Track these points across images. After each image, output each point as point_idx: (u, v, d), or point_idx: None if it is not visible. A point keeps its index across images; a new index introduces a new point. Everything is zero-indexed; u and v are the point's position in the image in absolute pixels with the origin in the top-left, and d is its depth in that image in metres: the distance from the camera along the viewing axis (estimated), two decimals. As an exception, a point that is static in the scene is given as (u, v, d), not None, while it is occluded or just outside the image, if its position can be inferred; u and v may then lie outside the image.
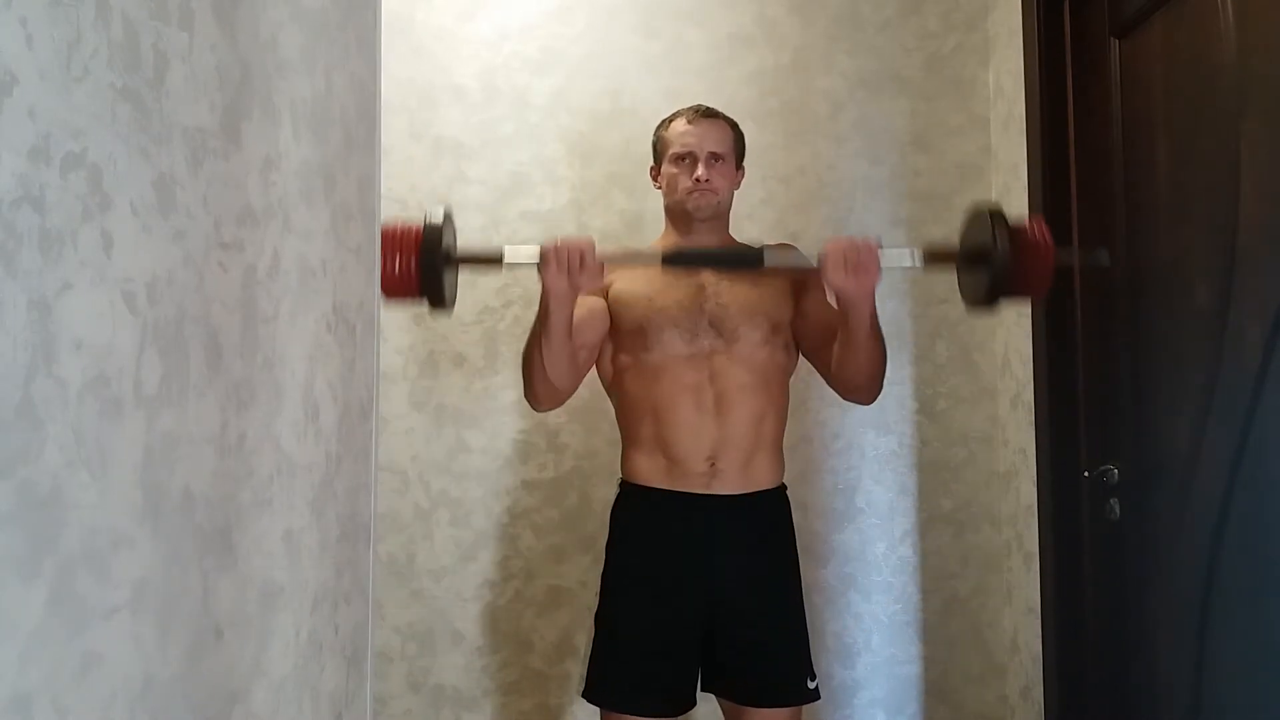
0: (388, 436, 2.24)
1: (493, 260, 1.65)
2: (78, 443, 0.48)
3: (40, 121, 0.45)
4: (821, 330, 1.74)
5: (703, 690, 1.75)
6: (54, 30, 0.46)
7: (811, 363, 1.81)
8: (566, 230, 2.29)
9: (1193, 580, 1.53)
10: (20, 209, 0.43)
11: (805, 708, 1.72)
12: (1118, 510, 1.78)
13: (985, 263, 1.55)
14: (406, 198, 2.28)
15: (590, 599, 1.86)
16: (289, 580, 0.76)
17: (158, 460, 0.56)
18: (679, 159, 1.76)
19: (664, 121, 1.83)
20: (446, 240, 1.56)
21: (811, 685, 1.71)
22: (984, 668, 2.30)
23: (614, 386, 1.79)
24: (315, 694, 0.81)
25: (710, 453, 1.67)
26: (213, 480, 0.63)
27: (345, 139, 0.89)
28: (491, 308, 2.29)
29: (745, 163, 1.86)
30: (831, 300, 1.68)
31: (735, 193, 1.84)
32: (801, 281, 1.79)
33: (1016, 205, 2.16)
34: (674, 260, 1.69)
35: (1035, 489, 2.06)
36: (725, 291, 1.73)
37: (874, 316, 1.62)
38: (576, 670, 2.22)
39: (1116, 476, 1.78)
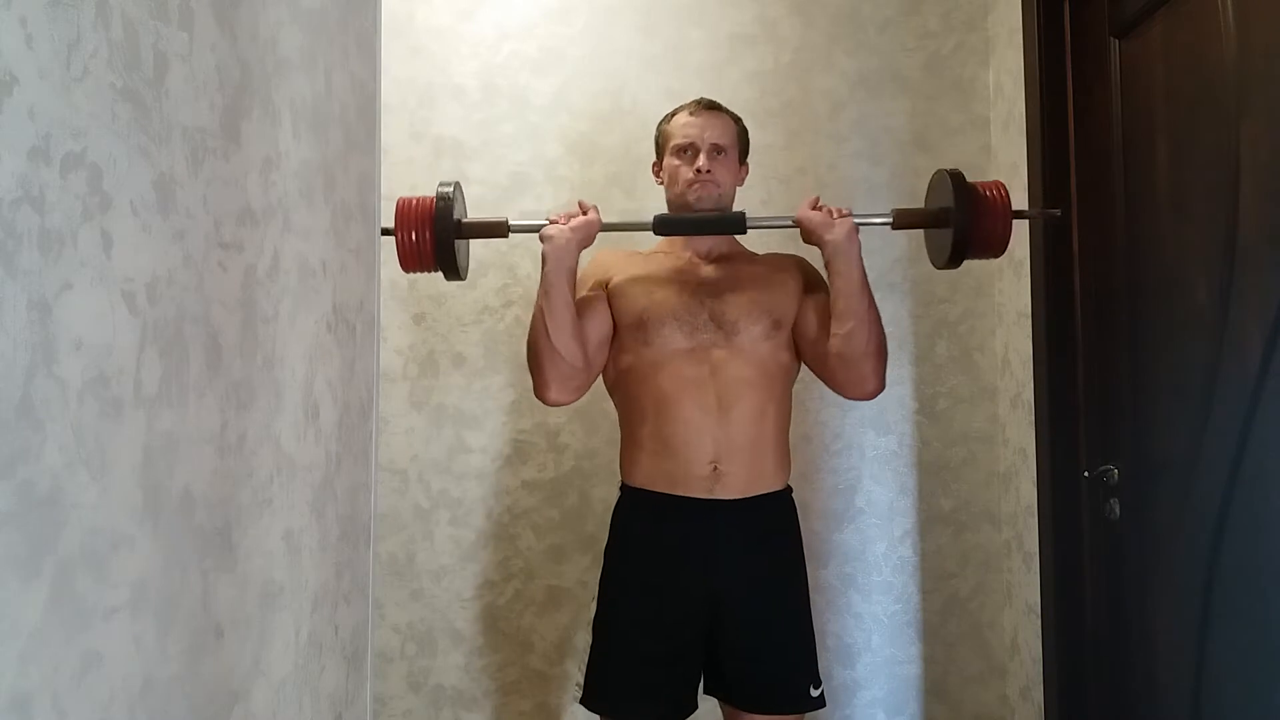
0: (388, 436, 2.24)
1: (499, 228, 1.71)
2: (78, 443, 0.48)
3: (40, 121, 0.45)
4: (825, 321, 1.70)
5: (705, 693, 1.73)
6: (54, 30, 0.46)
7: (816, 367, 1.76)
8: (566, 230, 2.29)
9: (1193, 580, 1.53)
10: (20, 209, 0.43)
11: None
12: (1118, 510, 1.78)
13: (946, 223, 1.66)
14: (406, 198, 2.28)
15: (590, 599, 1.86)
16: (289, 580, 0.76)
17: (158, 460, 0.56)
18: (681, 150, 1.74)
19: (667, 116, 1.81)
20: (458, 212, 1.66)
21: (816, 693, 1.68)
22: (984, 668, 2.30)
23: (615, 387, 1.78)
24: (315, 694, 0.81)
25: (713, 455, 1.64)
26: (213, 480, 0.63)
27: (345, 139, 0.89)
28: (491, 308, 2.29)
29: (746, 162, 1.85)
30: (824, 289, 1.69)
31: (738, 191, 1.82)
32: (806, 284, 1.77)
33: (1016, 205, 2.16)
34: (664, 226, 1.73)
35: (1035, 489, 2.06)
36: (726, 289, 1.71)
37: (863, 276, 1.65)
38: (576, 670, 2.22)
39: (1116, 476, 1.78)
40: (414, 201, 1.63)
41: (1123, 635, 1.79)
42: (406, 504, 2.26)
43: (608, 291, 1.74)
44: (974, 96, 2.35)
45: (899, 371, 2.27)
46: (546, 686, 2.26)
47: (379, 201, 0.99)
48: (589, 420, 2.25)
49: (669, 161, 1.77)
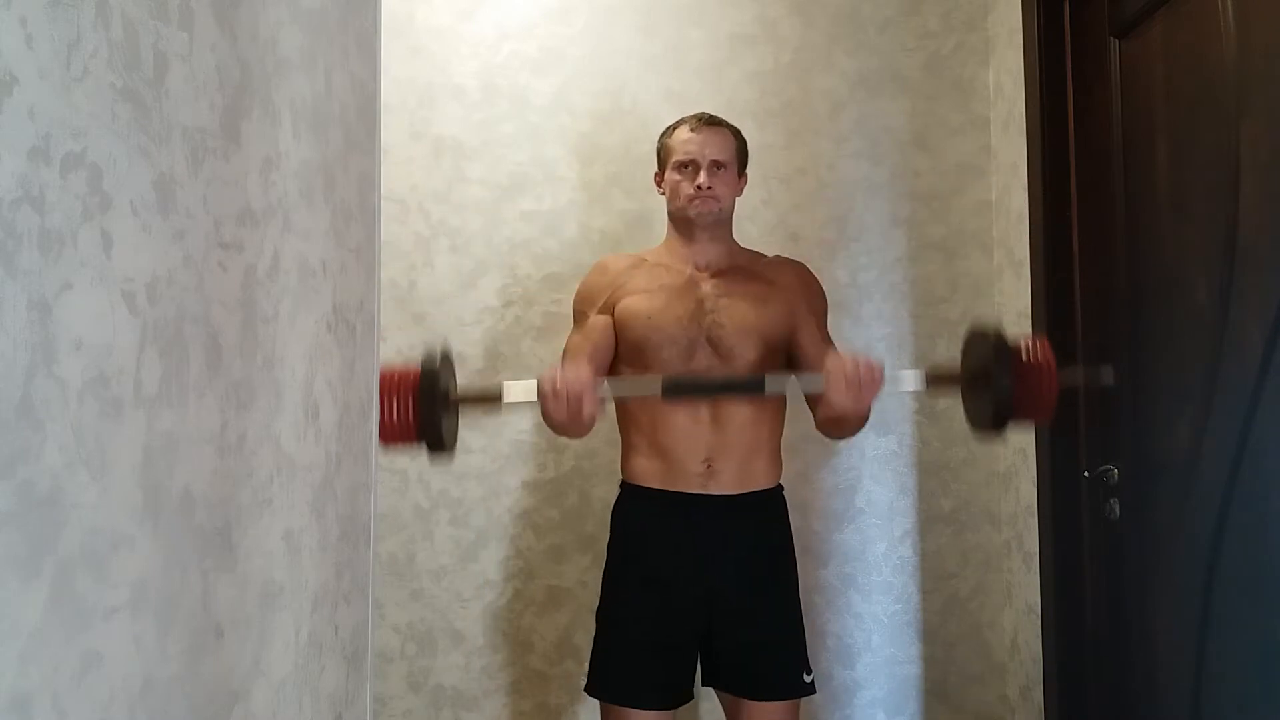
0: (388, 436, 2.24)
1: (492, 400, 1.60)
2: (78, 443, 0.48)
3: (40, 121, 0.45)
4: (821, 342, 1.80)
5: (703, 684, 1.79)
6: (54, 30, 0.46)
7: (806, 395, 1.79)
8: (567, 231, 2.29)
9: (1193, 580, 1.53)
10: (20, 209, 0.43)
11: (806, 706, 1.75)
12: (1118, 510, 1.78)
13: (987, 389, 1.48)
14: (406, 198, 2.28)
15: (590, 599, 1.87)
16: (289, 580, 0.76)
17: (158, 460, 0.56)
18: (681, 166, 1.80)
19: (668, 129, 1.87)
20: (444, 382, 1.46)
21: (808, 679, 1.75)
22: (984, 668, 2.30)
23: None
24: (315, 694, 0.81)
25: (706, 456, 1.72)
26: (212, 480, 0.63)
27: (345, 139, 0.89)
28: (491, 308, 2.29)
29: (745, 172, 1.89)
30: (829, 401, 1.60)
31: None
32: (808, 302, 1.83)
33: (1016, 205, 2.16)
34: (673, 391, 1.66)
35: (1035, 489, 2.06)
36: (724, 310, 1.76)
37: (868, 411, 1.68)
38: (576, 670, 2.22)
39: (1116, 476, 1.78)
40: (395, 374, 1.42)
41: (1123, 635, 1.79)
42: (406, 504, 2.26)
43: (614, 313, 1.79)
44: (974, 96, 2.35)
45: (899, 371, 2.27)
46: (546, 686, 2.26)
47: (379, 201, 1.00)
48: (589, 420, 2.25)
49: (670, 176, 1.83)
